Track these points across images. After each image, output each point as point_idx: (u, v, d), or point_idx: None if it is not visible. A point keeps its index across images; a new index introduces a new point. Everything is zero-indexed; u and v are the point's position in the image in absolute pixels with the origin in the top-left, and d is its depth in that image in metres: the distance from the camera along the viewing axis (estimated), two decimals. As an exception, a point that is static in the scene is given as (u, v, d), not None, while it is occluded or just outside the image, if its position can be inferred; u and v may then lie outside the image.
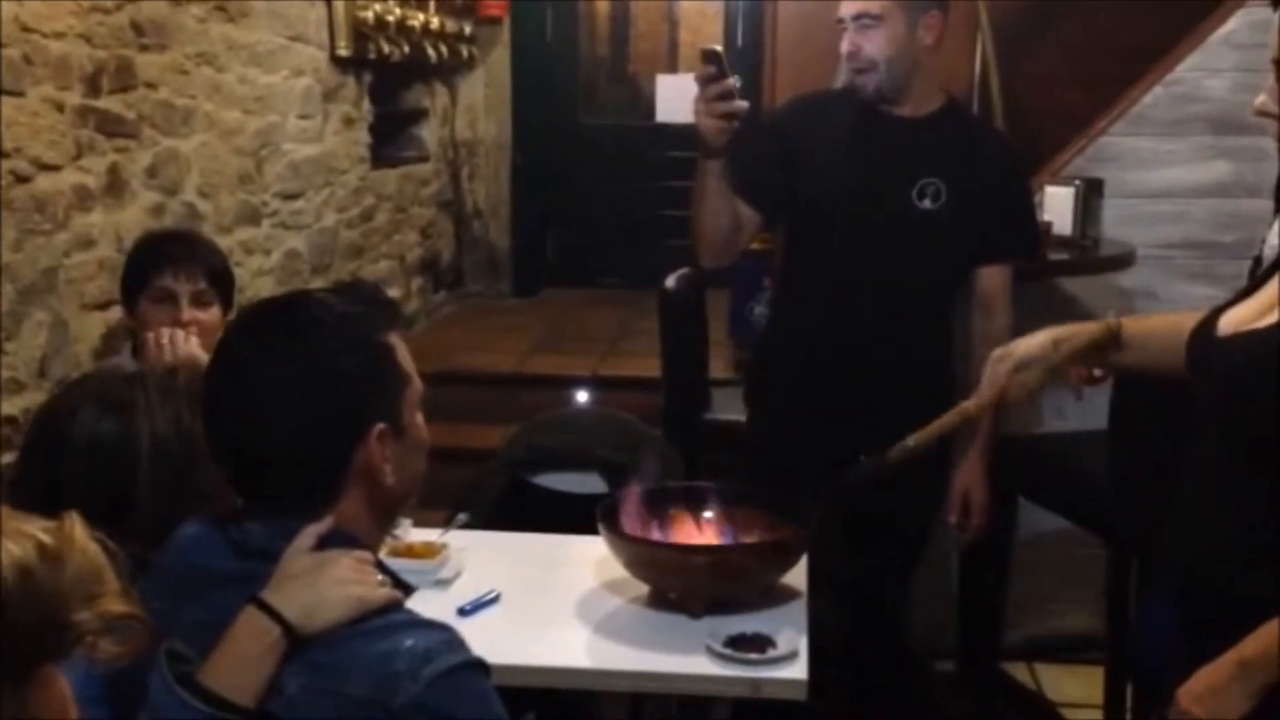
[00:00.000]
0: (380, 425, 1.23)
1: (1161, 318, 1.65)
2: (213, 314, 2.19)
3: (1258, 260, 2.20)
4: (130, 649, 0.81)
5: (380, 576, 1.22)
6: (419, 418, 1.30)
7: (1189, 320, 1.52)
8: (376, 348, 1.25)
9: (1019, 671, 3.29)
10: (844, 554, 2.41)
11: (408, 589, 1.26)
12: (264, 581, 1.18)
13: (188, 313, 2.15)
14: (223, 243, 2.97)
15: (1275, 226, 2.13)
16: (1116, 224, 3.23)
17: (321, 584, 1.17)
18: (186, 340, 2.04)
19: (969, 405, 1.72)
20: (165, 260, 2.19)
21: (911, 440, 1.72)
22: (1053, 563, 3.30)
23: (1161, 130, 3.30)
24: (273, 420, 1.21)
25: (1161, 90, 3.28)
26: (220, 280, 2.24)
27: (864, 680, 2.63)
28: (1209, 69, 3.26)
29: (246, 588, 1.18)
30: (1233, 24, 3.23)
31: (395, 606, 1.20)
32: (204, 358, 1.96)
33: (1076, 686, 3.14)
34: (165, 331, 2.04)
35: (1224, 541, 1.39)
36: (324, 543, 1.21)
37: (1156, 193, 3.32)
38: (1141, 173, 3.31)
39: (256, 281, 3.46)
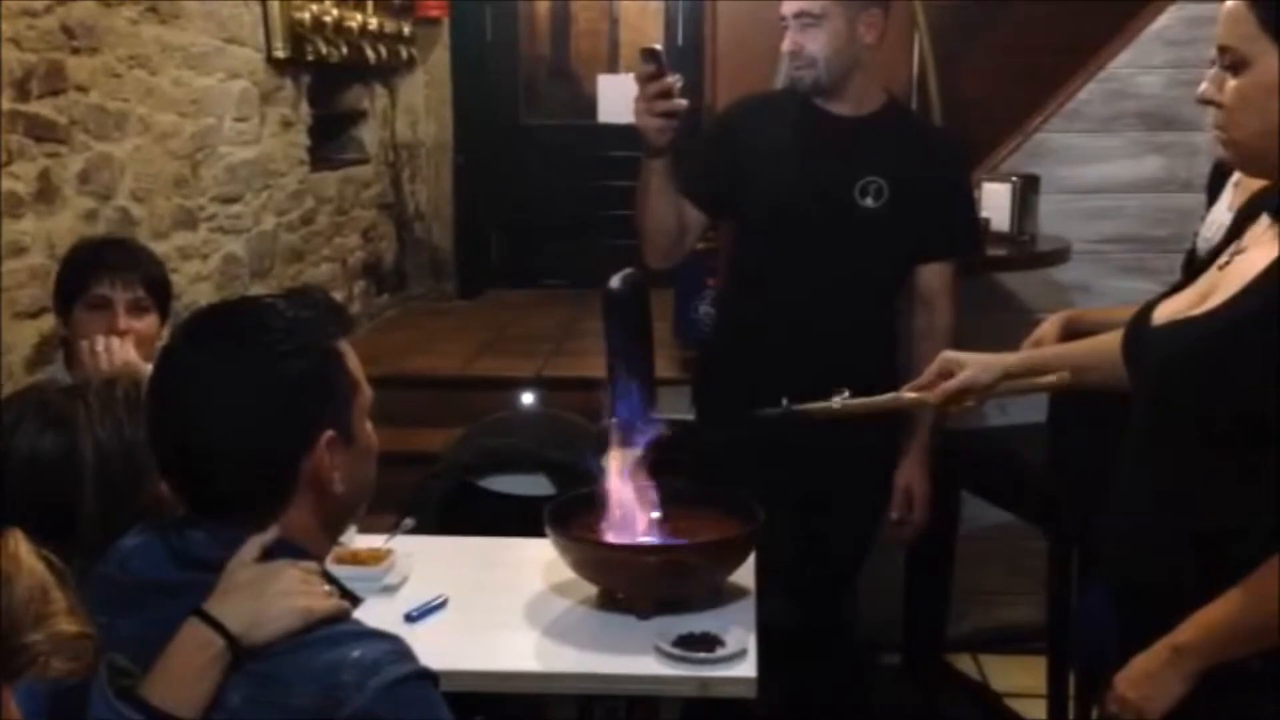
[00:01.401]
0: (329, 433, 1.21)
1: (1084, 351, 1.69)
2: (149, 322, 2.16)
3: (1191, 253, 2.25)
4: (81, 666, 0.79)
5: (327, 587, 1.21)
6: (369, 426, 1.29)
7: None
8: (326, 354, 1.24)
9: (964, 663, 3.33)
10: (790, 549, 2.42)
11: (355, 599, 1.25)
12: (207, 592, 1.17)
13: (124, 321, 2.11)
14: (159, 248, 2.92)
15: (1209, 220, 2.18)
16: (1052, 219, 3.28)
17: (266, 595, 1.15)
18: (122, 348, 2.00)
19: (906, 396, 1.75)
20: (101, 268, 2.15)
21: (837, 403, 1.73)
22: (995, 555, 3.35)
23: (1096, 126, 3.35)
24: (219, 427, 1.19)
25: (1096, 87, 3.33)
26: (157, 288, 2.20)
27: (811, 674, 2.64)
28: (1142, 65, 3.32)
29: (189, 599, 1.16)
30: (1165, 20, 3.28)
31: (342, 617, 1.19)
32: (141, 366, 1.94)
33: (1020, 676, 3.18)
34: (100, 340, 2.01)
35: (1157, 530, 1.41)
36: (270, 553, 1.20)
37: (1091, 188, 3.37)
38: (1076, 168, 3.36)
39: (194, 287, 3.41)
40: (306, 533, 1.24)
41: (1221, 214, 2.13)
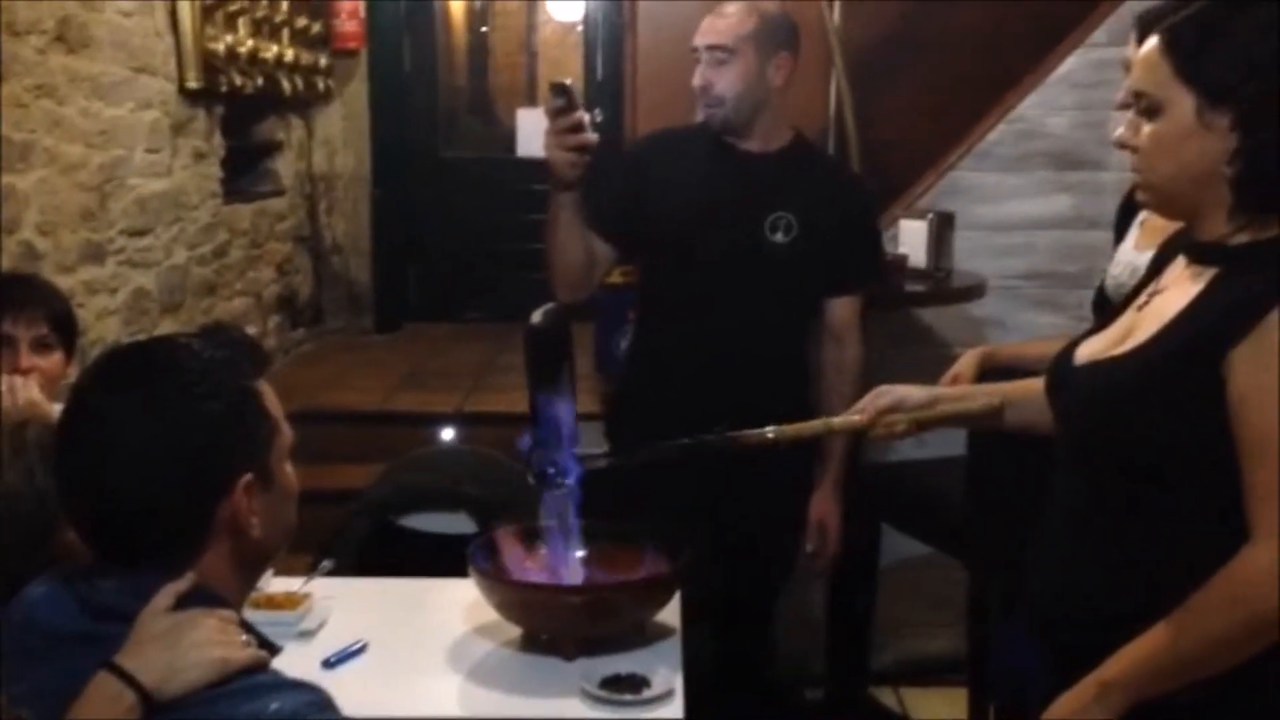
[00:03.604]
0: (247, 476, 1.19)
1: (1011, 391, 1.71)
2: (54, 360, 2.09)
3: (1100, 290, 2.30)
4: None
5: (245, 636, 1.17)
6: (289, 467, 1.26)
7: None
8: (243, 394, 1.21)
9: (885, 695, 3.35)
10: (710, 585, 2.42)
11: (273, 648, 1.21)
12: (118, 644, 1.13)
13: (27, 359, 2.04)
14: (65, 283, 2.84)
15: (1116, 259, 2.23)
16: (967, 256, 3.34)
17: (181, 646, 1.12)
18: (26, 387, 1.93)
19: (835, 421, 1.76)
20: (3, 304, 2.08)
21: (771, 432, 1.73)
22: (915, 587, 3.38)
23: (1006, 166, 3.44)
24: (131, 472, 1.15)
25: (1006, 127, 3.42)
26: (62, 325, 2.13)
27: (733, 710, 2.63)
28: (1050, 107, 3.41)
29: (99, 650, 1.12)
30: (1071, 64, 3.38)
31: (260, 667, 1.15)
32: (46, 405, 1.88)
33: (941, 708, 3.20)
34: (4, 379, 1.93)
35: (1084, 565, 1.43)
36: (184, 601, 1.16)
37: (1003, 225, 3.45)
38: (989, 206, 3.43)
39: (101, 322, 3.31)
40: (223, 579, 1.21)
41: (1128, 253, 2.18)
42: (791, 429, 1.74)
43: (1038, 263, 3.46)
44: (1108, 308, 2.16)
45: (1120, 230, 2.35)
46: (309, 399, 4.14)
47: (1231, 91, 1.31)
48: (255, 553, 1.23)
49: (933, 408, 1.66)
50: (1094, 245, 3.33)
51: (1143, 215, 2.17)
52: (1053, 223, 3.46)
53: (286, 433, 1.25)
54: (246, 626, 1.20)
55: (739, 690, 2.65)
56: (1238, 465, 1.29)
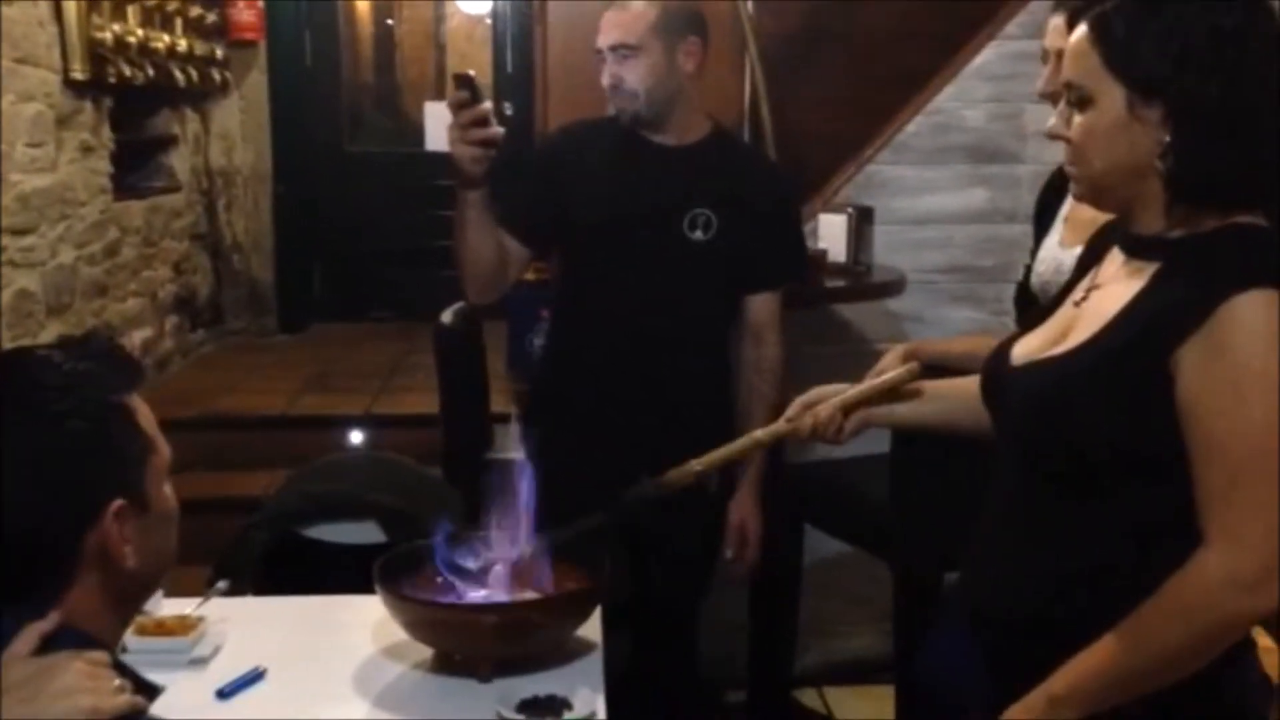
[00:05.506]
0: (118, 501, 1.09)
1: (951, 383, 1.66)
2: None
3: (1023, 286, 2.26)
4: None
5: (118, 680, 1.06)
6: (167, 488, 1.16)
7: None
8: (111, 411, 1.11)
9: (808, 696, 3.31)
10: (630, 587, 2.35)
11: (152, 692, 1.10)
12: (-26, 693, 1.01)
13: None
14: (-63, 285, 2.66)
15: (1041, 255, 2.18)
16: (885, 250, 3.31)
17: (44, 695, 1.01)
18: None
19: (759, 433, 1.71)
20: None
21: (698, 464, 1.69)
22: (839, 586, 3.34)
23: (923, 159, 3.41)
24: None
25: (923, 120, 3.40)
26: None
27: (655, 713, 2.57)
28: (965, 100, 3.40)
29: (-45, 700, 1.01)
30: (986, 56, 3.37)
31: (135, 715, 1.04)
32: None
33: (866, 708, 3.18)
34: None
35: (1026, 569, 1.38)
36: (50, 643, 1.06)
37: (921, 219, 3.42)
38: (907, 200, 3.41)
39: (-19, 326, 3.13)
40: (93, 616, 1.10)
41: (1052, 249, 2.14)
42: (714, 457, 1.68)
43: (956, 257, 3.45)
44: (1031, 304, 2.14)
45: (1040, 224, 2.31)
46: (209, 403, 4.00)
47: (1162, 84, 1.26)
48: (130, 585, 1.13)
49: (853, 387, 1.63)
50: (1011, 239, 3.32)
51: (1065, 210, 2.14)
52: (970, 216, 3.45)
53: (163, 451, 1.15)
54: (121, 668, 1.10)
55: (660, 694, 2.59)
56: (1185, 465, 1.24)
